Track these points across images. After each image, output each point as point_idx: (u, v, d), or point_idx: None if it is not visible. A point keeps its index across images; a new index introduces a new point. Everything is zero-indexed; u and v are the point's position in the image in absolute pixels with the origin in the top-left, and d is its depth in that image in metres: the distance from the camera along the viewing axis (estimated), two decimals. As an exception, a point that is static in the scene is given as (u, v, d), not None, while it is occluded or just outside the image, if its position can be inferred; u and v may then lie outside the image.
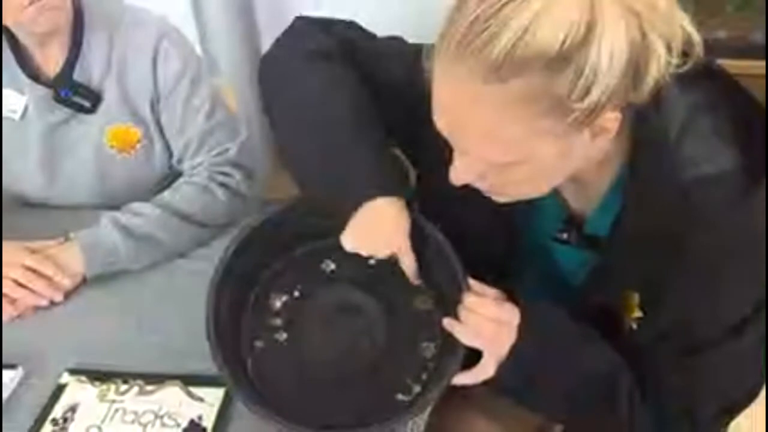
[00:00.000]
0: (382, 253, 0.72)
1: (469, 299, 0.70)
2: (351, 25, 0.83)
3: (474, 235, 0.75)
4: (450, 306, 0.72)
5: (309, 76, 0.76)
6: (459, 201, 0.75)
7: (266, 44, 1.79)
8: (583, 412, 0.74)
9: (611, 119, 0.57)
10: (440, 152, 0.76)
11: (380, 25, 0.83)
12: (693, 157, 0.61)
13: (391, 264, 0.75)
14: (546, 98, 0.54)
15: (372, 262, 0.78)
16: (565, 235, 0.74)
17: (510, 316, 0.70)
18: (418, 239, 0.73)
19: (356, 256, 0.73)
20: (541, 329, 0.69)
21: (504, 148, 0.58)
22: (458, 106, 0.58)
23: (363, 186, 0.71)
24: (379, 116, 0.75)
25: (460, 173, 0.63)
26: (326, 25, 0.81)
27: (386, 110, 0.77)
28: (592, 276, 0.73)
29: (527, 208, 0.72)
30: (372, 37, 0.82)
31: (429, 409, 0.77)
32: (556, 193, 0.73)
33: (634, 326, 0.72)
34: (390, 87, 0.77)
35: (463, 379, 0.72)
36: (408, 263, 0.74)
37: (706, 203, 0.61)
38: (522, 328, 0.69)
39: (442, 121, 0.60)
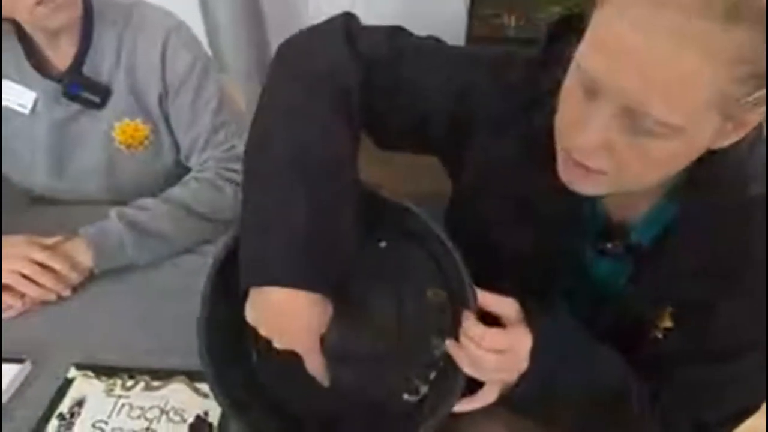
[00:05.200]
0: (281, 344, 0.66)
1: (469, 326, 0.65)
2: (394, 33, 0.73)
3: (509, 251, 0.73)
4: (459, 306, 0.69)
5: (308, 113, 0.67)
6: (496, 216, 0.74)
7: (273, 40, 1.79)
8: (591, 425, 0.73)
9: (760, 114, 0.53)
10: (480, 168, 0.73)
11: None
12: (759, 174, 0.60)
13: (401, 249, 0.73)
14: (749, 62, 0.49)
15: (383, 244, 0.76)
16: (609, 246, 0.70)
17: (517, 344, 0.65)
18: (429, 239, 0.71)
19: (365, 242, 0.68)
20: (554, 354, 0.66)
21: (681, 105, 0.51)
22: (659, 45, 0.49)
23: (289, 273, 0.62)
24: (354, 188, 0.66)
25: (594, 131, 0.54)
26: (359, 36, 0.71)
27: (428, 124, 0.72)
28: (632, 287, 0.71)
29: (567, 218, 0.69)
30: (417, 45, 0.73)
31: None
32: (596, 201, 0.70)
33: (660, 336, 0.70)
34: (434, 100, 0.71)
35: (465, 405, 0.69)
36: (313, 365, 0.69)
37: (763, 219, 0.60)
38: (533, 356, 0.65)
39: (619, 61, 0.51)
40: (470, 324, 0.66)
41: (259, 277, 0.63)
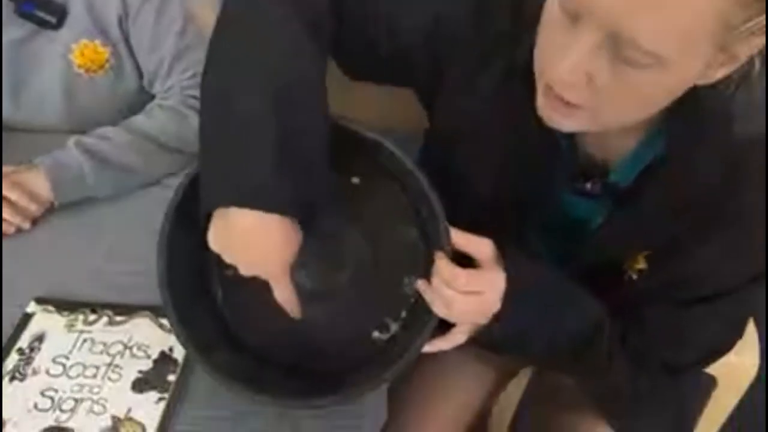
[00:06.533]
0: (248, 271, 0.61)
1: (441, 266, 0.63)
2: None
3: (484, 188, 0.70)
4: (433, 244, 0.66)
5: (275, 31, 0.61)
6: (473, 153, 0.71)
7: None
8: (561, 362, 0.73)
9: (756, 46, 0.49)
10: (458, 103, 0.69)
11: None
12: (745, 113, 0.56)
13: (374, 185, 0.70)
14: None
15: (355, 180, 0.72)
16: (588, 186, 0.67)
17: (490, 286, 0.63)
18: (403, 176, 0.68)
19: (334, 174, 0.64)
20: (527, 296, 0.64)
21: (673, 32, 0.46)
22: None
23: (259, 193, 0.57)
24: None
25: (574, 61, 0.50)
26: None
27: (403, 53, 0.67)
28: (607, 228, 0.68)
29: (545, 156, 0.66)
30: None
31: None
32: (576, 139, 0.67)
33: (634, 277, 0.68)
34: (410, 29, 0.66)
35: (435, 346, 0.68)
36: (283, 295, 0.65)
37: (755, 162, 0.58)
38: (507, 298, 0.63)
39: None
40: (443, 265, 0.63)
41: (225, 197, 0.57)
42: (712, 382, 1.00)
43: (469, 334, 0.68)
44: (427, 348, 0.67)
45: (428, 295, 0.65)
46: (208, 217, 0.61)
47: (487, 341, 0.67)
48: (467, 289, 0.62)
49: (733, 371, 0.97)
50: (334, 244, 0.72)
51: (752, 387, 1.00)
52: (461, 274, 0.62)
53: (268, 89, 0.57)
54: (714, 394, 1.01)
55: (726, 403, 1.03)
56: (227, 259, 0.61)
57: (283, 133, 0.57)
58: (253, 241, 0.58)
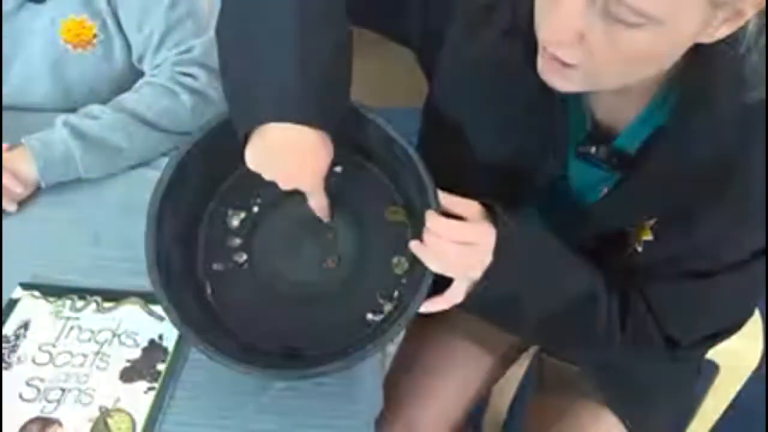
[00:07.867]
0: (287, 184, 0.63)
1: (431, 221, 0.63)
2: None
3: (487, 153, 0.69)
4: (420, 219, 0.66)
5: None
6: (474, 115, 0.70)
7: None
8: (557, 334, 0.71)
9: (757, 4, 0.48)
10: (459, 61, 0.68)
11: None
12: (758, 76, 0.54)
13: (357, 171, 0.70)
14: None
15: (338, 169, 0.71)
16: (593, 149, 0.66)
17: (481, 237, 0.62)
18: (385, 148, 0.66)
19: None
20: (518, 251, 0.63)
21: None
22: None
23: (291, 106, 0.59)
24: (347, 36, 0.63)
25: (564, 18, 0.50)
26: None
27: (405, 17, 0.68)
28: (613, 197, 0.67)
29: (550, 119, 0.65)
30: None
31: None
32: (582, 103, 0.65)
33: (640, 249, 0.66)
34: None
35: (433, 305, 0.66)
36: (319, 204, 0.68)
37: (765, 126, 0.56)
38: (497, 250, 0.62)
39: None
40: (434, 218, 0.64)
41: (270, 113, 0.59)
42: (714, 368, 0.98)
43: (466, 291, 0.66)
44: (426, 307, 0.66)
45: (421, 252, 0.65)
46: (244, 139, 0.62)
47: (479, 300, 0.66)
48: (459, 239, 0.62)
49: (736, 358, 0.96)
50: (322, 233, 0.72)
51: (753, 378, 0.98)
52: (452, 224, 0.63)
53: (293, 8, 0.59)
54: (716, 381, 1.00)
55: (728, 390, 1.01)
56: (265, 175, 0.63)
57: (306, 51, 0.59)
58: (289, 154, 0.61)
